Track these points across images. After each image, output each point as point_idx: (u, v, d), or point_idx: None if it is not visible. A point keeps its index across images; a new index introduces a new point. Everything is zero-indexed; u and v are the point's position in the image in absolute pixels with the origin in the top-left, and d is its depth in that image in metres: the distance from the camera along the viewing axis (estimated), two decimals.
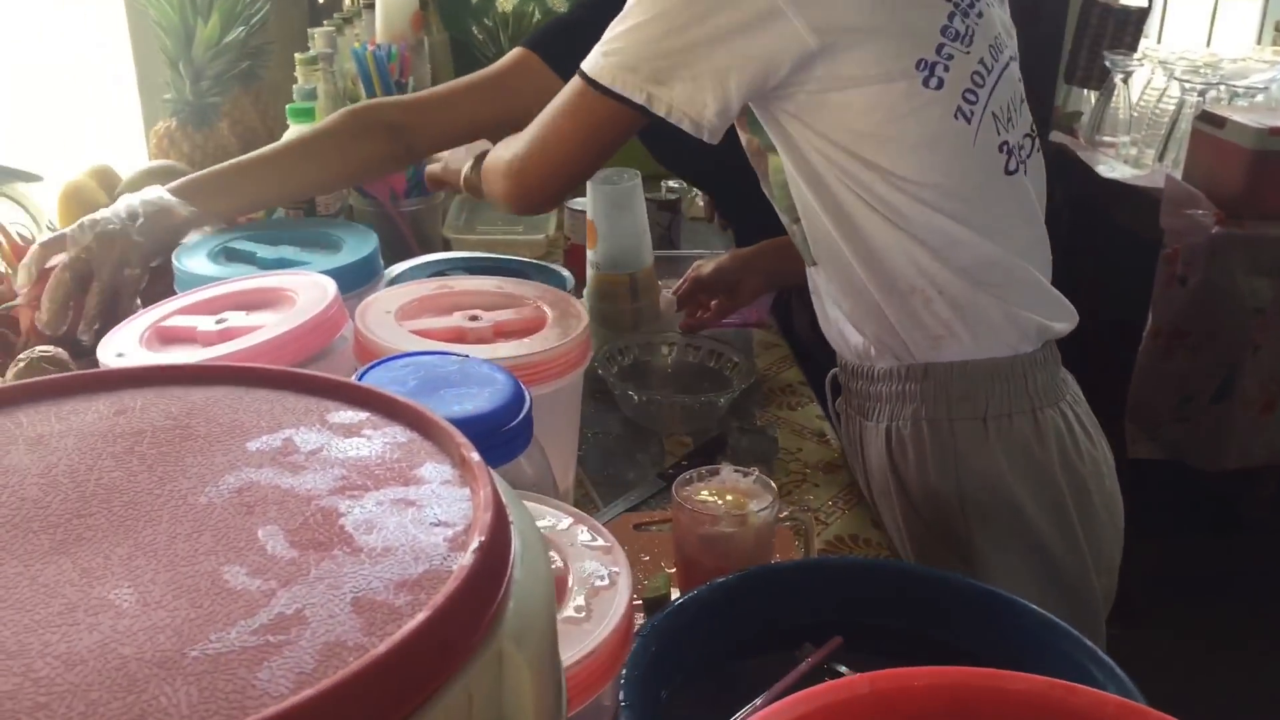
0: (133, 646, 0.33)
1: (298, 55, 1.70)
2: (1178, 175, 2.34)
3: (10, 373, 1.04)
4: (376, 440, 0.45)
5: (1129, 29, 2.78)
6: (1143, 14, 2.84)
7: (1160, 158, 2.62)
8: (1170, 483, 2.38)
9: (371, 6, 1.99)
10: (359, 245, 1.20)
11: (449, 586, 0.35)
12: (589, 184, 1.43)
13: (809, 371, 1.46)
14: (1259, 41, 3.08)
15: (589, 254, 1.47)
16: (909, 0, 0.97)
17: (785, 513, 1.00)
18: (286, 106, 1.46)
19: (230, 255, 1.19)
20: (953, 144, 1.00)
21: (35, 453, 0.43)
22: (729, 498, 0.94)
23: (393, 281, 1.23)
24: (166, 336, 0.99)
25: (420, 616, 0.33)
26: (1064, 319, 1.12)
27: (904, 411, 1.11)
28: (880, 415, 1.15)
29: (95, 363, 1.01)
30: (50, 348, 1.05)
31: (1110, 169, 2.62)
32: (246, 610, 0.34)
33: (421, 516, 0.40)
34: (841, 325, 1.15)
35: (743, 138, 1.14)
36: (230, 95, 1.83)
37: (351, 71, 1.84)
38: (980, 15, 1.02)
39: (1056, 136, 2.76)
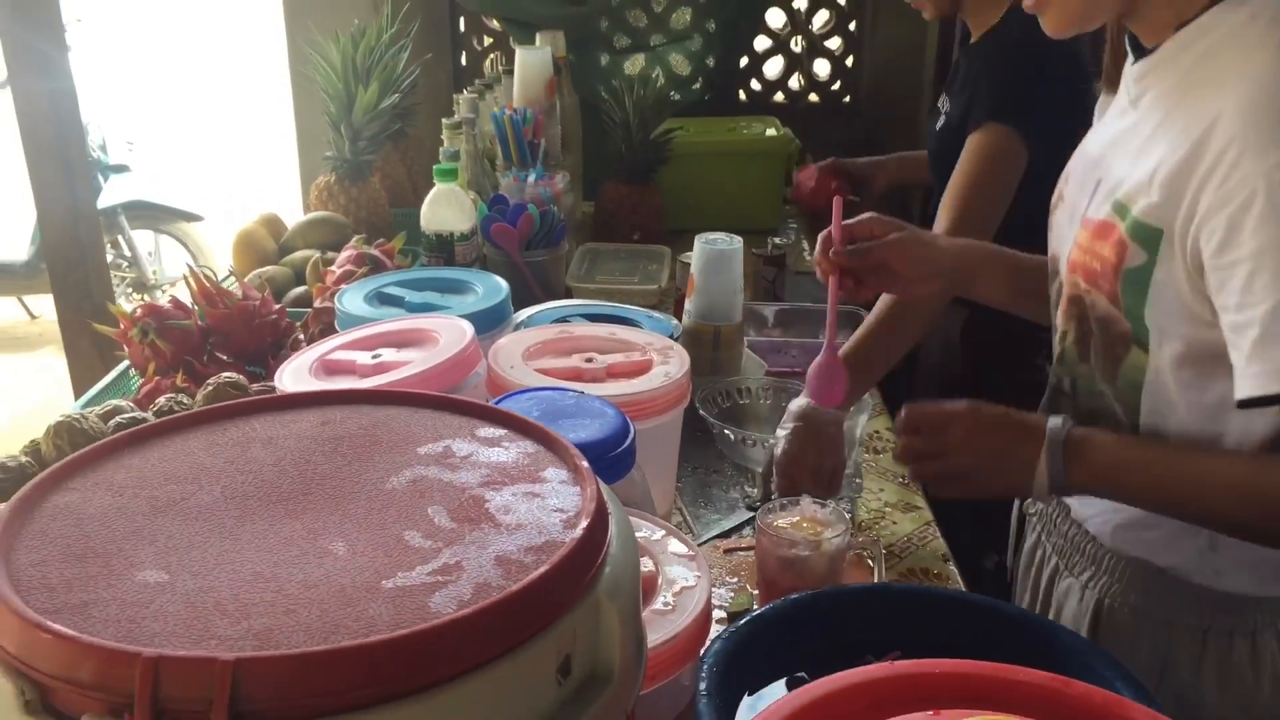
0: (347, 578, 0.48)
1: (444, 120, 1.89)
2: None
3: (200, 395, 1.23)
4: (512, 450, 0.59)
5: None
6: None
7: None
8: None
9: (510, 72, 2.18)
10: (492, 292, 1.37)
11: (562, 551, 0.49)
12: (696, 240, 1.58)
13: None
14: None
15: (686, 303, 1.62)
16: None
17: (859, 539, 1.12)
18: (434, 166, 1.65)
19: (382, 299, 1.37)
20: None
21: (268, 449, 0.59)
22: (805, 526, 1.06)
23: (521, 325, 1.39)
24: (331, 368, 1.17)
25: (541, 569, 0.48)
26: None
27: (1121, 589, 1.02)
28: (1093, 578, 1.05)
29: (271, 388, 1.20)
30: (233, 374, 1.24)
31: None
32: (422, 560, 0.49)
33: (544, 505, 0.54)
34: None
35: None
36: (382, 153, 2.04)
37: (490, 133, 2.04)
38: None
39: None
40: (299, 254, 1.77)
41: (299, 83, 2.79)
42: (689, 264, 1.76)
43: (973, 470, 0.97)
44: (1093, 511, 1.04)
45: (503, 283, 1.39)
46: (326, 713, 0.42)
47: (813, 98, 2.83)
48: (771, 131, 2.43)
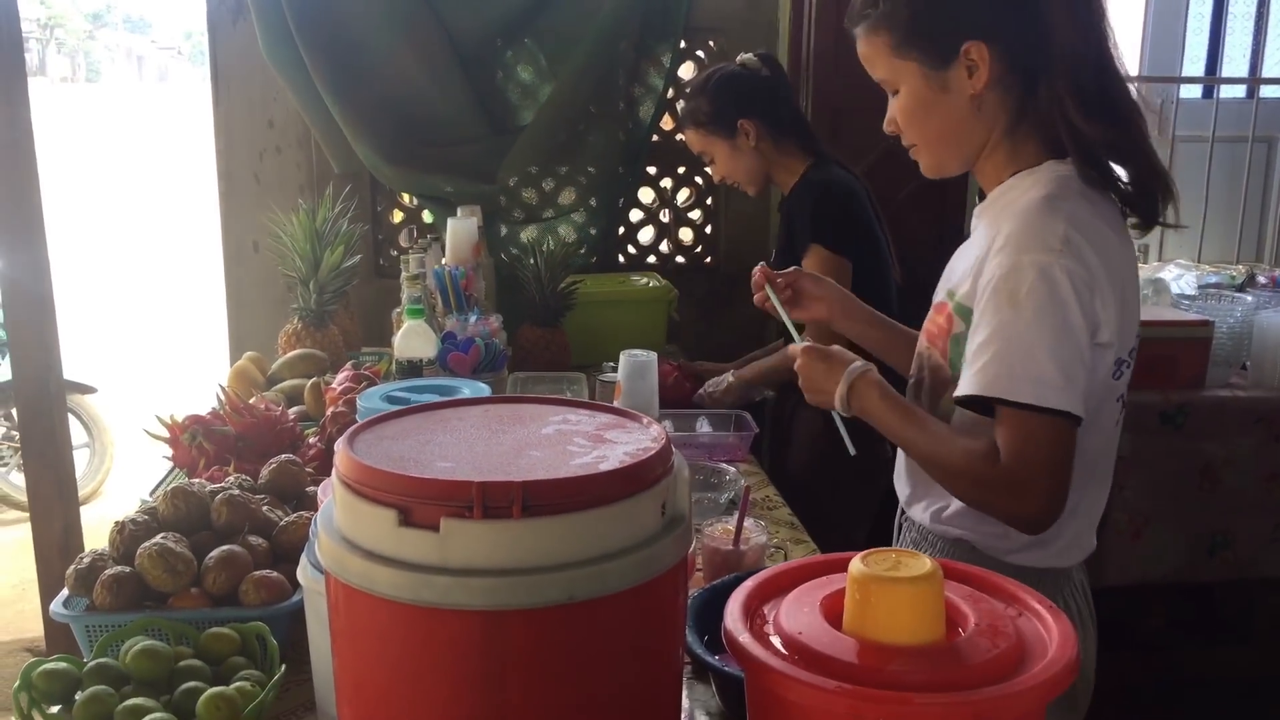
0: (552, 461, 0.89)
1: (404, 273, 2.33)
2: None
3: (266, 471, 1.59)
4: (598, 416, 1.02)
5: None
6: None
7: None
8: None
9: (437, 239, 2.66)
10: (478, 393, 1.78)
11: (656, 447, 0.92)
12: (621, 355, 2.04)
13: (798, 505, 2.00)
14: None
15: (615, 402, 2.06)
16: None
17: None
18: (406, 307, 2.07)
19: (392, 400, 1.77)
20: None
21: (464, 420, 1.00)
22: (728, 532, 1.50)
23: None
24: None
25: (651, 452, 0.90)
26: None
27: None
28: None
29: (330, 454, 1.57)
30: (289, 454, 1.61)
31: None
32: (584, 454, 0.91)
33: (631, 435, 0.97)
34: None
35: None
36: (340, 303, 2.45)
37: (430, 286, 2.48)
38: None
39: None
40: (288, 382, 2.15)
41: (232, 259, 3.19)
42: (607, 381, 2.22)
43: (806, 389, 1.52)
44: (919, 506, 1.52)
45: (484, 386, 1.81)
46: (566, 510, 0.83)
47: (679, 259, 3.39)
48: (654, 283, 2.95)
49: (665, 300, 2.91)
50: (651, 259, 3.38)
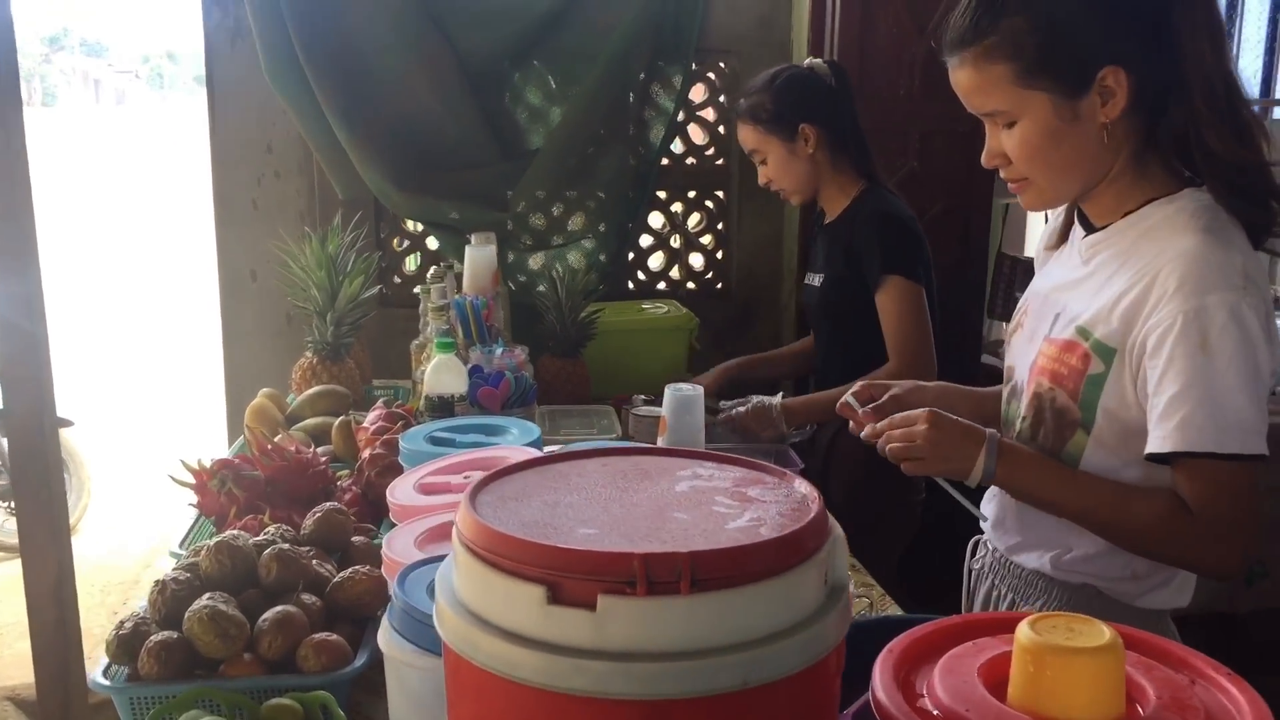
0: (705, 524, 0.80)
1: (431, 304, 2.22)
2: None
3: (310, 521, 1.48)
4: (730, 470, 0.93)
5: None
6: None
7: None
8: None
9: (450, 267, 2.56)
10: (526, 432, 1.68)
11: (815, 509, 0.83)
12: (666, 389, 1.94)
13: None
14: None
15: (659, 439, 1.97)
16: None
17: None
18: (436, 340, 1.96)
19: (435, 440, 1.66)
20: None
21: (586, 475, 0.90)
22: None
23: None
24: (429, 489, 1.45)
25: (812, 514, 0.81)
26: None
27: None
28: (1045, 605, 1.39)
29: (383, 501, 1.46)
30: (336, 503, 1.50)
31: None
32: (736, 517, 0.82)
33: (777, 493, 0.88)
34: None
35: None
36: (357, 336, 2.34)
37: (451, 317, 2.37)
38: None
39: (985, 359, 3.37)
40: (311, 420, 2.03)
41: (229, 289, 3.06)
42: (642, 416, 2.13)
43: (931, 457, 1.37)
44: (1033, 554, 1.44)
45: (533, 425, 1.71)
46: (734, 583, 0.74)
47: (691, 285, 3.30)
48: (672, 311, 2.87)
49: (687, 329, 2.82)
50: (662, 285, 3.29)
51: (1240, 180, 1.25)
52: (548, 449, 1.92)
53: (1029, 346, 1.44)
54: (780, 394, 2.37)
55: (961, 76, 1.32)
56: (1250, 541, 1.24)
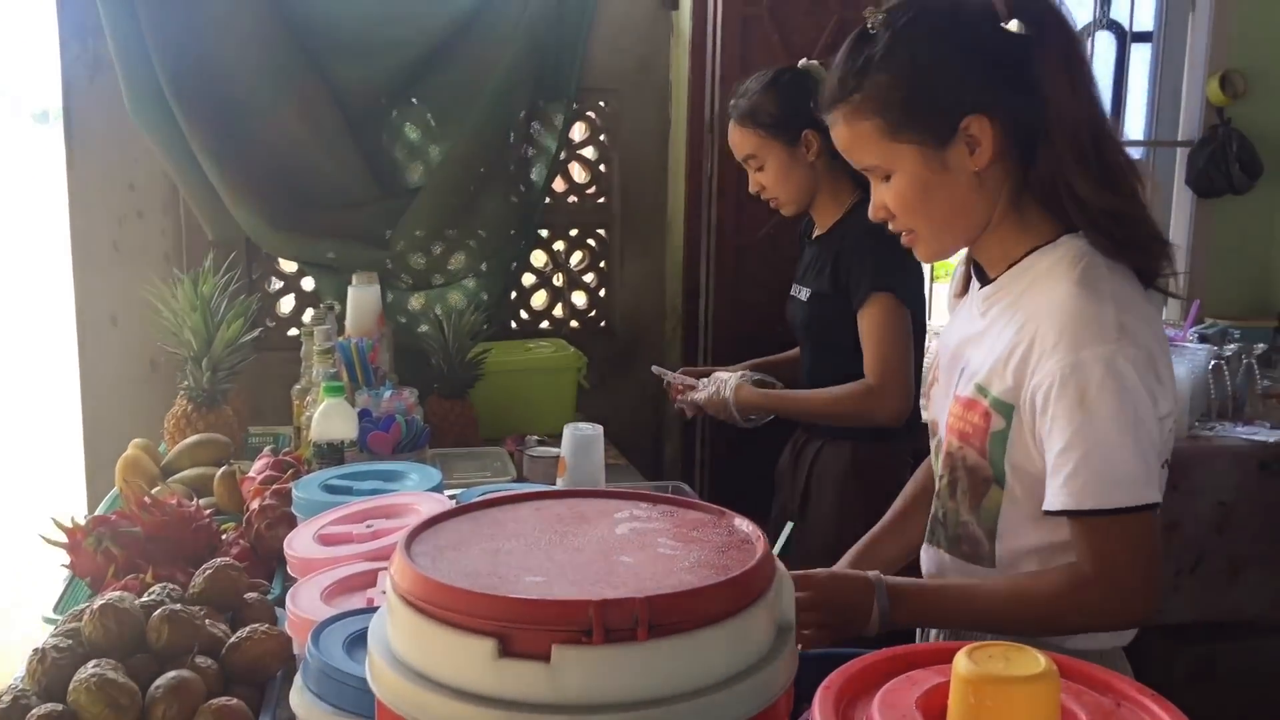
0: (654, 567, 0.78)
1: (316, 347, 2.14)
2: None
3: (200, 579, 1.39)
4: (667, 511, 0.91)
5: None
6: None
7: None
8: None
9: (331, 308, 2.48)
10: (427, 477, 1.63)
11: (761, 547, 0.82)
12: (565, 429, 1.90)
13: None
14: None
15: (559, 481, 1.93)
16: None
17: None
18: (324, 384, 1.89)
19: (330, 488, 1.60)
20: None
21: (522, 522, 0.87)
22: None
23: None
24: (329, 539, 1.39)
25: (758, 555, 0.80)
26: None
27: None
28: None
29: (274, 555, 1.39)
30: (228, 558, 1.42)
31: None
32: (684, 558, 0.80)
33: (718, 531, 0.86)
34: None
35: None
36: (236, 383, 2.24)
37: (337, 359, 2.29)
38: None
39: None
40: (189, 472, 1.93)
41: (87, 335, 2.90)
42: (537, 457, 2.10)
43: (834, 623, 1.30)
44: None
45: (433, 469, 1.66)
46: (689, 627, 0.72)
47: (574, 323, 3.28)
48: (559, 350, 2.84)
49: (575, 368, 2.79)
50: (545, 324, 3.26)
51: (1116, 229, 1.25)
52: (448, 493, 1.87)
53: (944, 402, 1.42)
54: (741, 374, 2.30)
55: (837, 134, 1.32)
56: (1154, 588, 1.23)
